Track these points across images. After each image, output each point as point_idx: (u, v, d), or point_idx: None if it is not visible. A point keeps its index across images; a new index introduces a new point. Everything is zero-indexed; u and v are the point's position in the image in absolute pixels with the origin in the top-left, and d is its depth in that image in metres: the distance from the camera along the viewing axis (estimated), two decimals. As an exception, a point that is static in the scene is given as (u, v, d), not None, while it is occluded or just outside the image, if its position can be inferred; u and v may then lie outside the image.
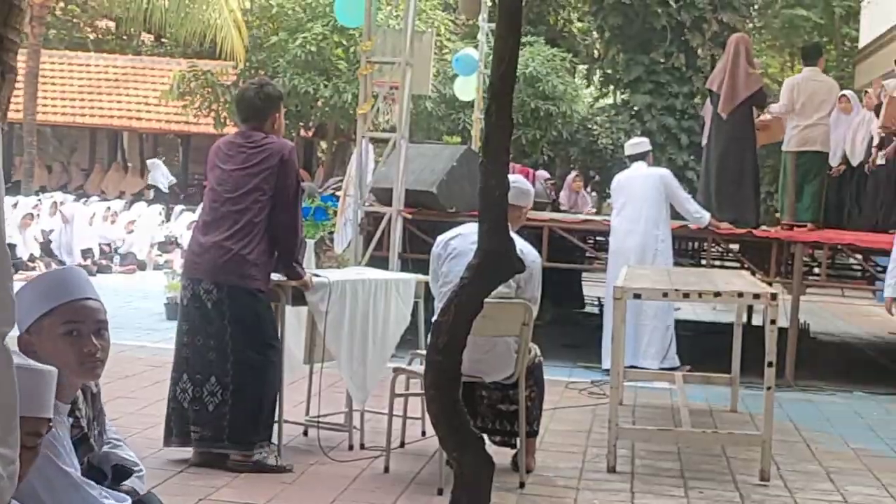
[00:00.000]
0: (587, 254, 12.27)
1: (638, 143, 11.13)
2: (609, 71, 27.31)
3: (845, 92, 14.04)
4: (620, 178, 10.80)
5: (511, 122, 2.74)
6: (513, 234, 5.68)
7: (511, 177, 6.51)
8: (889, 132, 12.10)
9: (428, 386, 2.69)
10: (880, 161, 12.74)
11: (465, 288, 2.70)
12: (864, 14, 26.86)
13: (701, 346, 11.39)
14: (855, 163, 13.66)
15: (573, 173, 20.88)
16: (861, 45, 26.47)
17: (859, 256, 11.69)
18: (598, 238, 12.59)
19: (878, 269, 12.72)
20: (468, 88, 17.47)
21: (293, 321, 6.77)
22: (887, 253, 11.62)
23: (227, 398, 6.02)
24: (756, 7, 31.77)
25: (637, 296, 6.90)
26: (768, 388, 6.50)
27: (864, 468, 7.14)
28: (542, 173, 18.81)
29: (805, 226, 11.91)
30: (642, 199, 10.32)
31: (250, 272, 6.06)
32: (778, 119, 12.44)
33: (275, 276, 6.24)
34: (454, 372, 2.69)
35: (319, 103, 20.54)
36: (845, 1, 29.66)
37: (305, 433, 6.99)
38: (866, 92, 14.32)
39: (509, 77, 2.62)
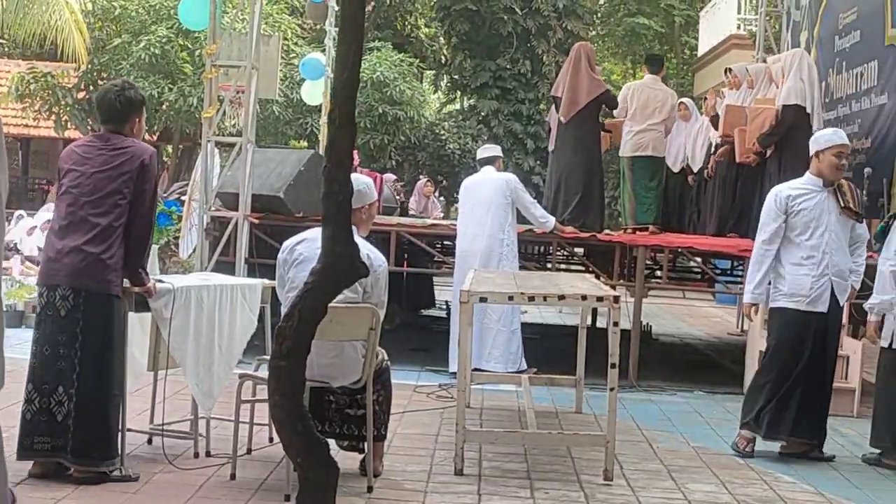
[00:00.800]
0: (435, 258, 12.33)
1: (488, 148, 11.24)
2: (456, 76, 27.47)
3: (684, 100, 14.39)
4: (468, 183, 10.87)
5: (354, 126, 2.75)
6: (358, 239, 5.70)
7: None
8: (728, 140, 12.44)
9: (272, 392, 2.67)
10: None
11: (310, 293, 2.69)
12: (702, 24, 27.59)
13: (547, 349, 11.57)
14: (695, 168, 14.00)
15: (423, 178, 20.97)
16: (700, 53, 27.17)
17: (699, 259, 11.99)
18: (445, 242, 12.67)
19: (717, 271, 13.10)
20: (315, 93, 17.40)
21: (137, 328, 6.65)
22: (725, 256, 11.98)
23: (72, 408, 5.88)
24: (599, 15, 32.37)
25: (483, 299, 6.95)
26: (611, 390, 6.63)
27: (704, 466, 7.33)
28: (390, 176, 18.82)
29: (647, 229, 12.19)
30: (489, 204, 10.41)
31: (109, 277, 5.95)
32: (623, 123, 12.73)
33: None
34: (298, 377, 2.68)
35: (164, 107, 20.23)
36: (685, 10, 30.40)
37: (150, 441, 6.87)
38: (705, 99, 14.68)
39: (352, 82, 2.62)
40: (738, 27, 23.35)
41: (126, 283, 6.10)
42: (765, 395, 7.61)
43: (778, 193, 7.70)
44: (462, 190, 10.95)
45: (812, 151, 7.74)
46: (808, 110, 11.29)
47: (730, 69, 13.46)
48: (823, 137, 7.81)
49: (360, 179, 6.50)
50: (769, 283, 7.70)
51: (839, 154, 7.63)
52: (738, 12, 23.92)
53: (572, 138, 11.44)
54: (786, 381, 7.56)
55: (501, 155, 11.30)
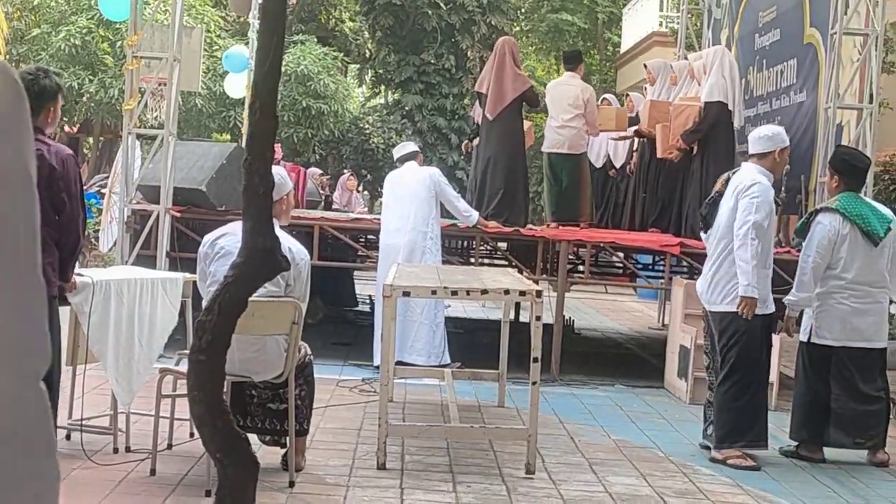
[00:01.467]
0: (359, 252, 12.30)
1: (405, 146, 11.25)
2: (380, 71, 27.46)
3: (606, 96, 14.52)
4: (392, 178, 10.86)
5: (275, 119, 2.73)
6: (280, 232, 5.67)
7: None
8: (650, 136, 12.56)
9: (191, 387, 2.65)
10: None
11: (229, 286, 2.67)
12: (625, 20, 27.82)
13: (470, 343, 11.59)
14: (618, 164, 14.13)
15: (347, 173, 20.91)
16: (623, 49, 27.40)
17: (621, 255, 12.10)
18: (369, 237, 12.65)
19: (639, 266, 13.22)
20: (238, 86, 17.29)
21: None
22: (647, 251, 12.09)
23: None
24: (523, 11, 32.50)
25: (406, 293, 6.96)
26: (534, 383, 6.66)
27: (625, 459, 7.39)
28: (314, 170, 18.76)
29: (577, 225, 12.26)
30: (412, 198, 10.41)
31: (50, 277, 5.86)
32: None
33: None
34: (218, 372, 2.65)
35: (84, 99, 20.00)
36: (608, 7, 30.62)
37: (68, 437, 6.78)
38: (627, 95, 14.82)
39: (273, 76, 2.61)
40: (661, 24, 23.57)
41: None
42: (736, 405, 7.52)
43: (769, 189, 7.45)
44: (386, 185, 10.96)
45: (772, 147, 7.52)
46: (731, 107, 11.43)
47: (645, 65, 13.63)
48: (781, 136, 7.66)
49: (273, 170, 6.47)
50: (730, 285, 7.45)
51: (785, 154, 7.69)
52: (661, 10, 24.16)
53: (497, 134, 11.48)
54: (756, 387, 7.53)
55: (419, 150, 11.31)
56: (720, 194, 7.65)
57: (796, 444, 7.86)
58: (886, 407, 7.86)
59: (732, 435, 7.43)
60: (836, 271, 7.68)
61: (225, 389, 6.39)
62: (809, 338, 7.81)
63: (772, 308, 7.51)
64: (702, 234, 8.10)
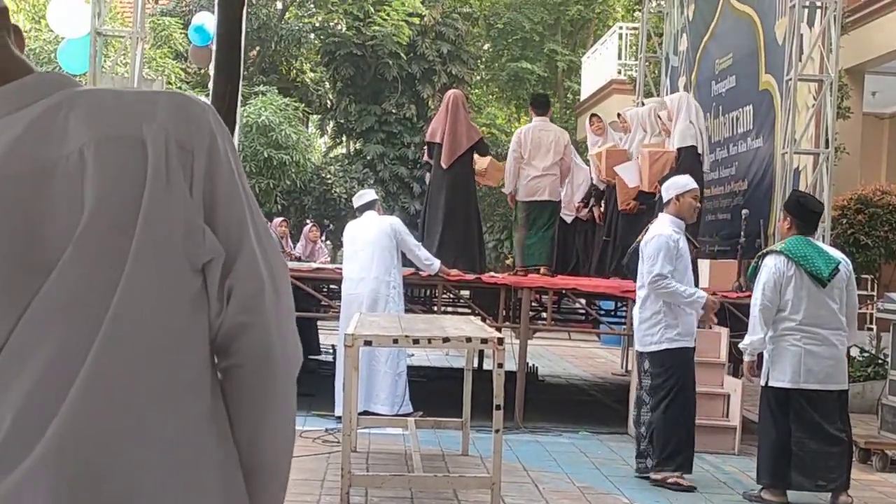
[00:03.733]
0: (322, 302, 12.27)
1: (364, 194, 11.24)
2: (342, 121, 27.50)
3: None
4: (352, 227, 10.87)
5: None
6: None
7: None
8: (608, 184, 12.69)
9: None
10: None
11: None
12: (584, 69, 28.06)
13: (434, 391, 11.56)
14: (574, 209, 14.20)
15: (309, 224, 20.87)
16: (583, 97, 27.60)
17: (583, 301, 12.13)
18: (331, 286, 12.62)
19: (601, 312, 13.25)
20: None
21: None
22: (609, 297, 12.13)
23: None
24: (483, 60, 32.72)
25: (368, 343, 6.95)
26: (496, 431, 6.64)
27: (589, 505, 7.39)
28: (277, 220, 18.72)
29: (538, 270, 12.30)
30: (373, 247, 10.42)
31: None
32: (494, 164, 12.85)
33: None
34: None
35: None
36: (567, 56, 30.88)
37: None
38: (619, 115, 14.91)
39: (228, 121, 2.62)
40: (619, 72, 23.76)
41: None
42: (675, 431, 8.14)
43: (669, 237, 8.09)
44: (346, 235, 10.94)
45: (671, 195, 8.27)
46: (699, 150, 11.60)
47: (619, 114, 13.75)
48: (681, 181, 8.44)
49: None
50: (660, 325, 8.14)
51: (695, 197, 8.39)
52: (619, 58, 24.36)
53: (451, 182, 11.57)
54: (692, 419, 8.19)
55: (377, 198, 11.31)
56: (640, 244, 8.37)
57: (760, 487, 7.87)
58: (848, 449, 7.89)
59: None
60: (786, 313, 7.75)
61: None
62: (767, 381, 7.85)
63: (693, 342, 8.27)
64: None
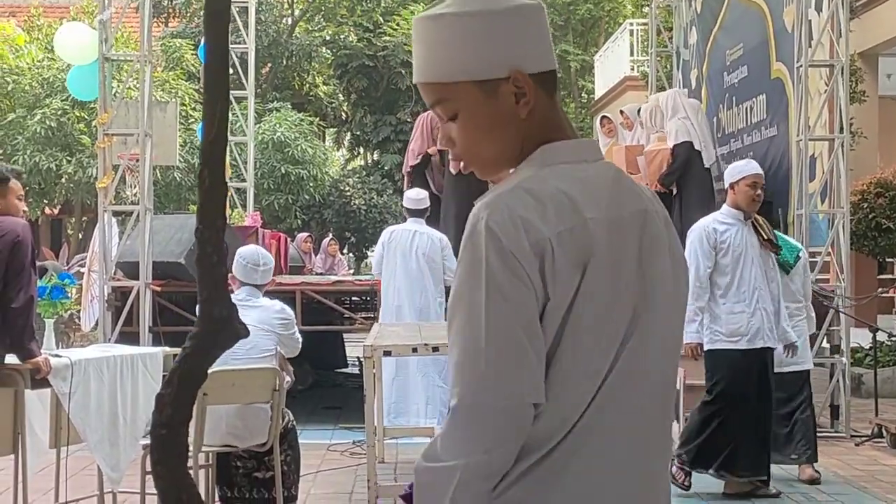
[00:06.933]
0: (345, 315, 12.27)
1: (422, 200, 10.84)
2: (358, 133, 27.54)
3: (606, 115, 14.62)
4: (397, 234, 10.65)
5: (225, 187, 2.73)
6: (265, 301, 5.76)
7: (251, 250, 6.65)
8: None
9: (154, 462, 2.62)
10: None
11: (187, 358, 2.65)
12: (597, 67, 28.01)
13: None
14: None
15: (328, 238, 20.91)
16: (597, 96, 27.56)
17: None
18: (353, 298, 12.62)
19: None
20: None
21: (37, 405, 6.53)
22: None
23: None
24: (496, 64, 32.65)
25: (387, 353, 6.93)
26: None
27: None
28: (302, 235, 18.76)
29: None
30: (426, 259, 10.30)
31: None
32: None
33: (9, 360, 6.02)
34: (181, 446, 2.63)
35: (63, 180, 19.99)
36: (580, 56, 30.83)
37: (56, 521, 6.72)
38: (621, 112, 14.90)
39: (220, 142, 2.61)
40: (632, 69, 23.71)
41: (11, 360, 6.00)
42: (700, 430, 7.47)
43: (704, 228, 7.52)
44: (387, 240, 10.65)
45: (726, 184, 7.69)
46: (697, 146, 11.58)
47: (622, 111, 13.75)
48: (736, 168, 7.74)
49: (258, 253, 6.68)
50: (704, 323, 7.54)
51: (753, 184, 7.58)
52: (631, 54, 24.30)
53: (464, 188, 11.52)
54: (727, 419, 7.40)
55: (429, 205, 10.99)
56: None
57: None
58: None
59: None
60: None
61: (210, 461, 6.37)
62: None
63: (752, 343, 7.39)
64: None
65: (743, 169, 7.68)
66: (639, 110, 13.33)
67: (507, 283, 1.79)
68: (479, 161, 2.03)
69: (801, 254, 8.37)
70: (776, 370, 7.59)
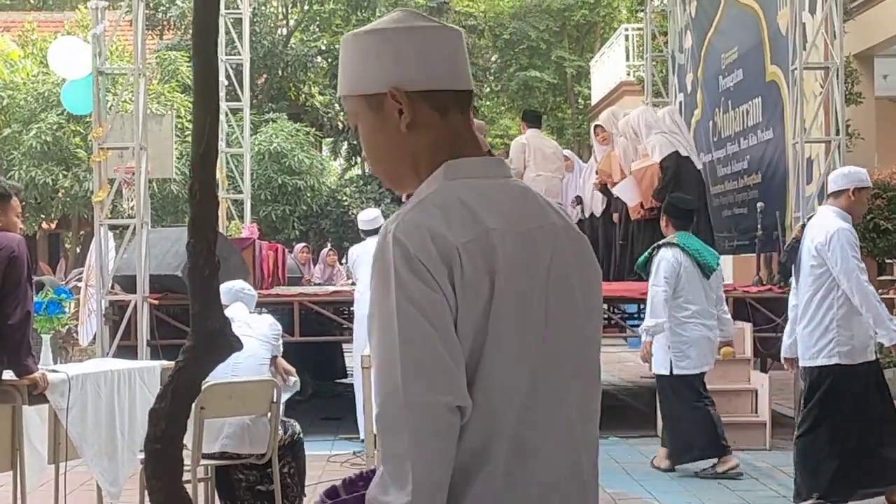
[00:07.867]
0: (344, 326, 12.24)
1: (373, 220, 11.26)
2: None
3: (565, 152, 14.60)
4: (358, 250, 10.86)
5: (216, 200, 2.71)
6: (254, 317, 5.70)
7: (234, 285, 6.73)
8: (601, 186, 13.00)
9: (149, 476, 2.60)
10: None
11: (181, 372, 2.63)
12: (593, 73, 28.01)
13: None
14: (597, 212, 14.14)
15: (327, 248, 20.89)
16: (594, 101, 27.55)
17: (606, 305, 12.05)
18: (351, 308, 12.58)
19: (625, 315, 13.17)
20: (212, 168, 17.25)
21: (36, 420, 6.51)
22: (629, 300, 12.06)
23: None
24: (492, 71, 32.70)
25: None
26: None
27: (621, 511, 7.32)
28: (300, 245, 18.75)
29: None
30: None
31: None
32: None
33: (6, 376, 5.99)
34: (175, 460, 2.61)
35: (60, 194, 19.97)
36: (576, 62, 30.82)
37: (56, 537, 6.68)
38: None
39: (210, 156, 2.59)
40: (628, 74, 23.70)
41: (8, 376, 5.98)
42: (830, 460, 6.80)
43: (850, 230, 6.83)
44: (352, 258, 11.05)
45: (848, 186, 6.96)
46: (684, 152, 11.65)
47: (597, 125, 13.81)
48: (861, 175, 7.06)
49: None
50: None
51: (869, 197, 7.24)
52: (627, 59, 24.30)
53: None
54: (855, 442, 6.82)
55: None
56: (798, 241, 7.14)
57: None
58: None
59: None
60: (682, 301, 8.46)
61: (209, 475, 6.34)
62: (671, 371, 8.52)
63: (869, 355, 6.88)
64: (792, 284, 7.36)
65: (866, 179, 7.10)
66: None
67: (416, 289, 1.83)
68: (380, 172, 2.12)
69: (719, 260, 8.90)
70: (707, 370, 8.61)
